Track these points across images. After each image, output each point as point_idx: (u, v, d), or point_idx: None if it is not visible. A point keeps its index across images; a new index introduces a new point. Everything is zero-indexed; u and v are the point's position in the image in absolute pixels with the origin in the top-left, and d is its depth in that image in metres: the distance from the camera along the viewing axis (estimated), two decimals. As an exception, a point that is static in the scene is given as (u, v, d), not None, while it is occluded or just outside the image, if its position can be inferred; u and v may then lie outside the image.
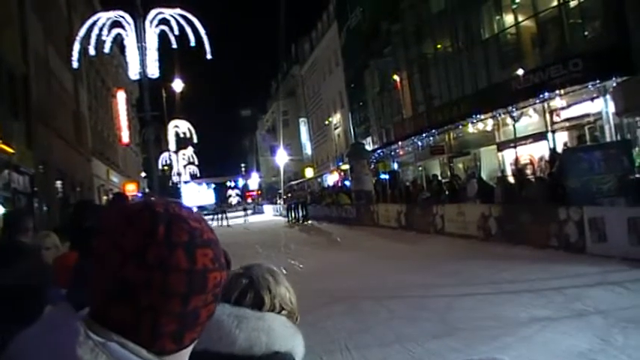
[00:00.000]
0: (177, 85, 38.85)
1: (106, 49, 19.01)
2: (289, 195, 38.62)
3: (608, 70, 15.22)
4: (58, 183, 22.47)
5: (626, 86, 14.13)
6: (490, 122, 20.72)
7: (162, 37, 17.54)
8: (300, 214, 32.05)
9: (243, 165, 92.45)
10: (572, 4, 17.13)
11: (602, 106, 16.10)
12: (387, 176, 28.34)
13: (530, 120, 18.96)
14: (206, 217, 0.89)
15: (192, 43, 17.43)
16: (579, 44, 17.00)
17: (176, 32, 17.37)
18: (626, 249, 9.29)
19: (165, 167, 52.26)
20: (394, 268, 11.35)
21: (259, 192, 76.90)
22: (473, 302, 7.71)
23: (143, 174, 52.26)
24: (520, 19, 19.17)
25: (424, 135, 24.86)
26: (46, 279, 3.16)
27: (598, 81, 15.55)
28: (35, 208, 17.46)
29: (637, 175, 11.41)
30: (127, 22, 17.36)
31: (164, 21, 17.44)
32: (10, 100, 16.45)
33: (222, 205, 42.92)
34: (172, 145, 48.76)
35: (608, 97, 15.54)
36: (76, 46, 18.27)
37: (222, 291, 0.86)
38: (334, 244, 18.10)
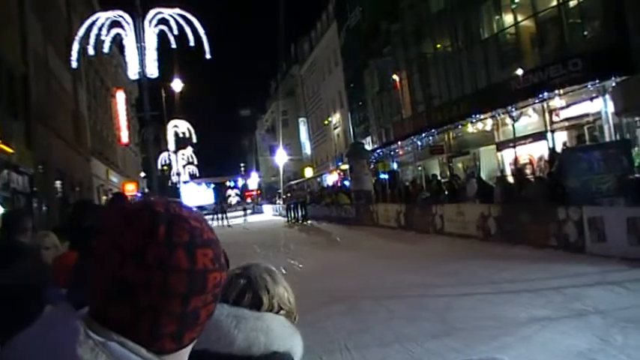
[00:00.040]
0: (177, 85, 38.85)
1: (105, 49, 19.02)
2: (289, 195, 38.62)
3: (607, 70, 15.23)
4: (58, 183, 22.46)
5: (625, 86, 14.13)
6: (489, 122, 20.73)
7: (162, 36, 17.55)
8: (300, 213, 32.05)
9: (242, 165, 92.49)
10: (572, 4, 17.15)
11: (601, 106, 16.11)
12: (386, 176, 28.33)
13: (529, 120, 18.97)
14: (206, 217, 0.89)
15: (192, 43, 17.43)
16: (579, 44, 17.01)
17: (175, 32, 17.37)
18: (625, 249, 9.29)
19: (165, 167, 52.22)
20: (394, 268, 11.35)
21: (259, 192, 76.91)
22: (472, 302, 7.72)
23: (142, 174, 52.25)
24: (519, 18, 19.18)
25: (424, 135, 24.88)
26: (45, 279, 3.17)
27: (597, 81, 15.57)
28: (34, 208, 17.45)
29: (636, 175, 11.41)
30: (126, 22, 17.36)
31: (163, 21, 17.44)
32: (9, 100, 16.44)
33: (222, 204, 42.84)
34: (172, 145, 48.72)
35: (607, 96, 15.55)
36: (75, 46, 18.26)
37: (221, 291, 0.86)
38: (334, 244, 18.10)
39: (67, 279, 2.83)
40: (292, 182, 45.71)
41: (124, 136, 38.88)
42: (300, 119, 54.99)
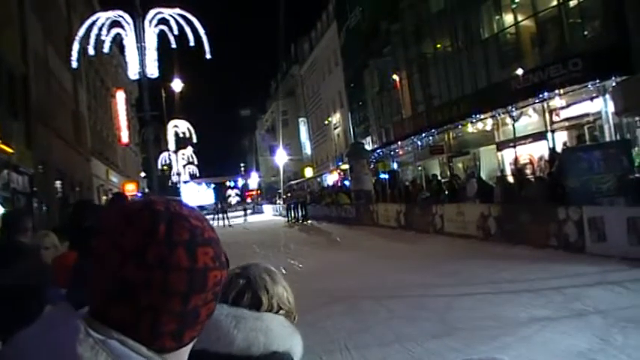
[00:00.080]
0: (177, 84, 38.85)
1: (106, 48, 19.01)
2: (289, 195, 38.63)
3: (607, 70, 15.23)
4: (58, 183, 22.46)
5: (625, 86, 14.13)
6: (490, 122, 20.74)
7: (162, 36, 17.55)
8: (300, 213, 32.06)
9: (242, 165, 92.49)
10: (572, 3, 17.15)
11: (601, 106, 16.11)
12: (386, 176, 28.32)
13: (529, 120, 18.97)
14: (206, 217, 0.89)
15: (192, 43, 17.43)
16: (579, 44, 17.01)
17: (175, 32, 17.38)
18: (625, 249, 9.29)
19: (165, 167, 52.22)
20: (394, 268, 11.35)
21: (259, 192, 76.91)
22: (472, 302, 7.71)
23: (142, 174, 52.25)
24: (520, 18, 19.18)
25: (424, 135, 24.88)
26: (45, 279, 3.17)
27: (597, 81, 15.57)
28: (34, 208, 17.45)
29: (636, 175, 11.41)
30: (127, 22, 17.36)
31: (163, 21, 17.44)
32: (9, 100, 16.44)
33: (222, 204, 42.85)
34: (172, 145, 48.72)
35: (607, 96, 15.55)
36: (76, 46, 18.26)
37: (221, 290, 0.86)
38: (334, 244, 18.10)
39: (67, 279, 2.83)
40: (292, 182, 45.71)
41: (124, 136, 38.89)
42: (300, 119, 55.00)
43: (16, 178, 16.11)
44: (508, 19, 19.98)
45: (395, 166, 30.40)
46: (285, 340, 1.33)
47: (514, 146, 19.56)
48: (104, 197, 29.80)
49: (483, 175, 19.18)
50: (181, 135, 46.97)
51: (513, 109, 18.52)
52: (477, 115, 20.71)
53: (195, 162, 55.58)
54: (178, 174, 52.27)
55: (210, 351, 1.23)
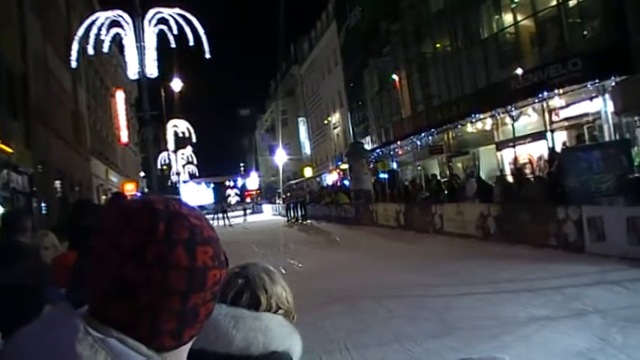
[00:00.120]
0: (176, 84, 38.80)
1: (105, 48, 18.98)
2: (288, 194, 38.64)
3: (607, 70, 15.23)
4: (57, 183, 22.46)
5: (625, 86, 14.13)
6: (489, 122, 20.74)
7: (161, 36, 17.52)
8: (300, 213, 32.07)
9: (242, 164, 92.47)
10: (572, 3, 17.16)
11: (601, 106, 16.11)
12: (386, 176, 28.35)
13: (529, 119, 18.98)
14: (206, 217, 0.89)
15: (191, 43, 17.41)
16: (578, 44, 17.01)
17: (175, 32, 17.34)
18: (624, 248, 9.30)
19: (164, 167, 52.19)
20: (393, 268, 11.35)
21: (258, 191, 76.90)
22: (472, 302, 7.72)
23: (142, 173, 52.23)
24: (519, 18, 19.19)
25: (423, 134, 24.88)
26: (44, 278, 3.17)
27: (597, 80, 15.56)
28: (34, 207, 17.44)
29: (636, 175, 11.42)
30: (126, 22, 17.34)
31: (163, 20, 17.41)
32: (8, 100, 16.44)
33: (222, 204, 42.84)
34: (171, 145, 48.68)
35: (607, 96, 15.55)
36: (75, 46, 18.23)
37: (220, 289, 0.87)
38: (333, 244, 18.10)
39: (67, 279, 2.83)
40: (292, 182, 45.70)
41: (124, 136, 38.88)
42: (300, 119, 54.99)
43: (15, 178, 16.11)
44: (507, 18, 19.98)
45: (394, 165, 30.40)
46: (284, 339, 1.33)
47: (513, 146, 19.58)
48: (103, 197, 29.79)
49: (483, 175, 19.19)
50: (181, 135, 46.93)
51: (513, 108, 18.53)
52: (477, 115, 20.71)
53: (195, 162, 55.58)
54: (178, 174, 52.24)
55: (208, 351, 1.23)
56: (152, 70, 17.56)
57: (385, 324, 7.04)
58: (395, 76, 28.53)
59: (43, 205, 19.03)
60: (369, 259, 13.38)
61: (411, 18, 26.16)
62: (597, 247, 9.97)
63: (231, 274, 1.38)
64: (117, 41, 18.99)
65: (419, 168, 28.04)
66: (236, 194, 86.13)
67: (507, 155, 20.40)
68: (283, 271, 10.19)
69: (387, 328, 6.84)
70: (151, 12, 17.41)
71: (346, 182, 32.66)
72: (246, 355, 1.27)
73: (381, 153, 30.43)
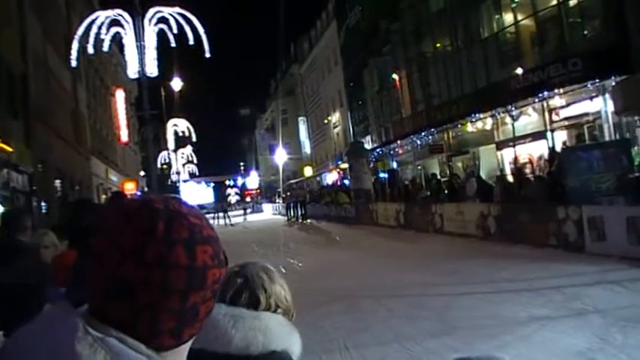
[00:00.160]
0: (176, 83, 38.78)
1: (105, 47, 18.98)
2: (288, 194, 38.64)
3: (607, 70, 15.23)
4: (57, 182, 22.46)
5: (625, 85, 14.13)
6: (489, 121, 20.74)
7: (161, 35, 17.52)
8: (299, 212, 32.07)
9: (242, 164, 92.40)
10: (572, 3, 17.15)
11: (601, 105, 16.11)
12: (386, 175, 28.35)
13: (529, 119, 18.97)
14: (206, 216, 0.89)
15: (191, 42, 17.41)
16: (579, 43, 17.01)
17: (175, 31, 17.34)
18: (624, 248, 9.30)
19: (164, 166, 52.20)
20: (393, 267, 11.35)
21: (258, 191, 76.89)
22: (472, 301, 7.72)
23: (142, 173, 52.24)
24: (519, 17, 19.18)
25: (423, 134, 24.87)
26: (44, 277, 3.17)
27: (597, 80, 15.57)
28: (34, 206, 17.44)
29: (636, 174, 11.42)
30: (126, 21, 17.34)
31: (163, 20, 17.41)
32: (8, 99, 16.44)
33: (222, 203, 42.80)
34: (171, 144, 48.68)
35: (607, 96, 15.55)
36: (75, 45, 18.24)
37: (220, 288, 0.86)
38: (333, 243, 18.10)
39: (67, 278, 2.83)
40: (292, 181, 45.71)
41: (124, 135, 38.88)
42: (300, 118, 54.99)
43: (15, 177, 16.12)
44: (508, 18, 19.98)
45: (394, 165, 30.40)
46: (283, 339, 1.33)
47: (514, 145, 19.57)
48: (103, 196, 29.79)
49: (483, 175, 19.18)
50: (181, 134, 46.93)
51: (513, 108, 18.52)
52: (477, 115, 20.71)
53: (195, 161, 55.58)
54: (178, 173, 52.25)
55: (208, 350, 1.23)
56: (152, 69, 17.56)
57: (385, 323, 7.04)
58: (395, 76, 28.53)
59: (43, 204, 19.04)
60: (369, 258, 13.38)
61: (411, 17, 26.15)
62: (597, 247, 9.97)
63: (230, 273, 1.38)
64: (117, 40, 18.98)
65: (419, 167, 28.03)
66: (236, 193, 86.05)
67: (507, 155, 20.40)
68: (283, 270, 10.19)
69: (387, 327, 6.84)
70: (151, 11, 17.42)
71: (346, 181, 32.66)
72: (245, 354, 1.27)
73: (381, 152, 30.43)
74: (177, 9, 17.41)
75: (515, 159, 19.33)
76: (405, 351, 5.81)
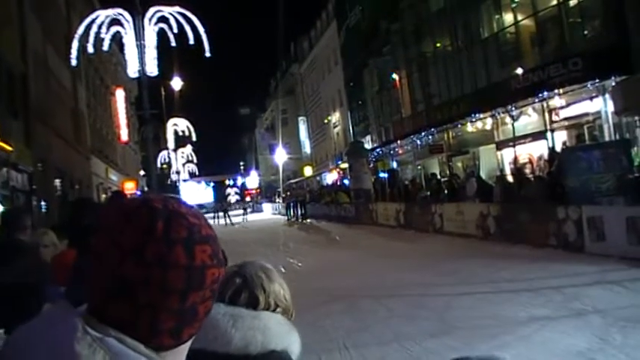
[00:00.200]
0: (176, 83, 38.69)
1: (105, 47, 18.95)
2: (288, 193, 38.64)
3: (607, 70, 15.24)
4: (57, 181, 22.46)
5: (625, 85, 14.13)
6: (489, 121, 20.74)
7: (161, 35, 17.50)
8: (299, 212, 32.07)
9: (242, 163, 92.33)
10: (572, 3, 17.15)
11: (601, 106, 16.11)
12: (386, 175, 28.35)
13: (529, 119, 18.98)
14: (206, 216, 0.89)
15: (191, 42, 17.39)
16: (579, 43, 17.01)
17: (175, 30, 17.30)
18: (624, 248, 9.30)
19: (164, 165, 52.15)
20: (393, 267, 11.35)
21: (258, 190, 76.86)
22: (472, 301, 7.72)
23: (142, 172, 52.21)
24: (519, 18, 19.19)
25: (423, 134, 24.88)
26: (44, 276, 3.17)
27: (597, 80, 15.57)
28: (34, 206, 17.45)
29: (636, 175, 11.42)
30: (126, 20, 17.31)
31: (163, 19, 17.38)
32: (8, 99, 16.45)
33: (222, 203, 42.77)
34: (171, 144, 48.62)
35: (607, 96, 15.55)
36: (75, 44, 18.21)
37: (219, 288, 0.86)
38: (333, 243, 18.10)
39: (66, 277, 2.83)
40: (292, 181, 45.70)
41: (124, 135, 38.88)
42: (300, 118, 55.00)
43: (15, 176, 16.12)
44: (508, 18, 19.98)
45: (394, 165, 30.41)
46: (282, 338, 1.33)
47: (513, 145, 19.58)
48: (103, 195, 29.79)
49: (483, 175, 19.18)
50: (181, 133, 46.86)
51: (513, 108, 18.53)
52: (477, 115, 20.71)
53: (195, 160, 55.50)
54: (178, 172, 52.19)
55: (207, 350, 1.23)
56: (152, 69, 17.53)
57: (385, 323, 7.05)
58: (395, 76, 28.53)
59: (42, 203, 19.04)
60: (369, 258, 13.38)
61: (411, 17, 26.16)
62: (597, 247, 9.97)
63: (228, 273, 1.38)
64: (117, 39, 18.95)
65: (419, 167, 28.04)
66: (236, 193, 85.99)
67: (507, 155, 20.41)
68: (283, 270, 10.19)
69: (387, 327, 6.84)
70: (151, 10, 17.39)
71: (346, 181, 32.65)
72: (244, 354, 1.27)
73: (381, 152, 30.43)
74: (178, 8, 17.38)
75: (515, 159, 19.33)
76: (405, 351, 5.82)
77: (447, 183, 19.79)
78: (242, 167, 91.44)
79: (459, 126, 22.50)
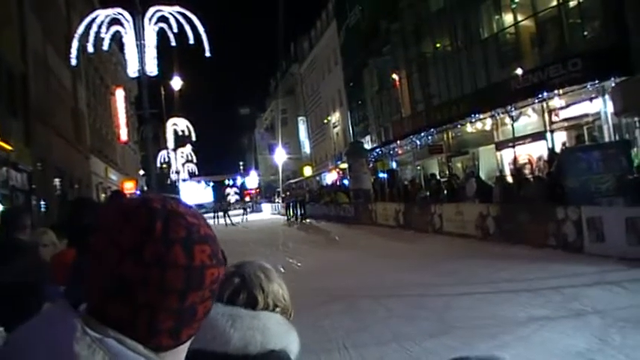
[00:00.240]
0: (176, 83, 38.71)
1: (105, 46, 18.95)
2: (288, 193, 38.62)
3: (607, 70, 15.24)
4: (57, 180, 22.45)
5: (624, 86, 14.13)
6: (489, 122, 20.74)
7: (161, 34, 17.49)
8: (299, 212, 32.06)
9: (241, 163, 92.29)
10: (572, 3, 17.17)
11: (600, 106, 16.12)
12: (385, 175, 28.35)
13: (528, 120, 18.98)
14: (205, 216, 0.89)
15: (191, 41, 17.38)
16: (578, 44, 17.02)
17: (175, 30, 17.30)
18: (623, 249, 9.30)
19: (164, 165, 52.13)
20: (392, 267, 11.35)
21: (258, 190, 76.84)
22: (471, 301, 7.72)
23: (141, 172, 52.17)
24: (519, 18, 19.20)
25: (423, 134, 24.87)
26: (43, 276, 3.17)
27: (597, 81, 15.57)
28: (33, 205, 17.44)
29: (635, 175, 11.42)
30: (126, 20, 17.31)
31: (163, 19, 17.37)
32: (8, 99, 16.45)
33: (222, 203, 42.73)
34: (171, 143, 48.60)
35: (606, 97, 15.56)
36: (75, 44, 18.20)
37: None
38: (332, 243, 18.10)
39: (66, 276, 2.83)
40: (291, 181, 45.70)
41: (123, 134, 38.84)
42: (300, 118, 54.98)
43: (14, 176, 16.12)
44: (508, 18, 19.99)
45: (394, 165, 30.40)
46: (282, 338, 1.33)
47: (513, 146, 19.58)
48: (103, 195, 29.79)
49: (482, 175, 19.18)
50: (180, 133, 46.86)
51: (512, 109, 18.53)
52: (476, 115, 20.71)
53: (194, 160, 55.46)
54: (177, 172, 52.18)
55: (206, 350, 1.23)
56: (152, 69, 17.53)
57: (384, 323, 7.04)
58: (395, 76, 28.53)
59: (42, 202, 19.04)
60: (369, 258, 13.38)
61: (410, 17, 26.16)
62: (596, 248, 9.98)
63: (227, 273, 1.37)
64: (117, 39, 18.95)
65: (418, 168, 28.04)
66: (235, 193, 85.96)
67: (507, 155, 20.41)
68: (282, 269, 10.20)
69: (386, 327, 6.84)
70: (151, 10, 17.38)
71: (346, 181, 32.63)
72: (243, 354, 1.27)
73: (380, 152, 30.43)
74: (178, 8, 17.38)
75: (515, 159, 19.34)
76: (404, 351, 5.82)
77: (447, 183, 19.80)
78: (242, 167, 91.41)
79: (459, 126, 22.50)
